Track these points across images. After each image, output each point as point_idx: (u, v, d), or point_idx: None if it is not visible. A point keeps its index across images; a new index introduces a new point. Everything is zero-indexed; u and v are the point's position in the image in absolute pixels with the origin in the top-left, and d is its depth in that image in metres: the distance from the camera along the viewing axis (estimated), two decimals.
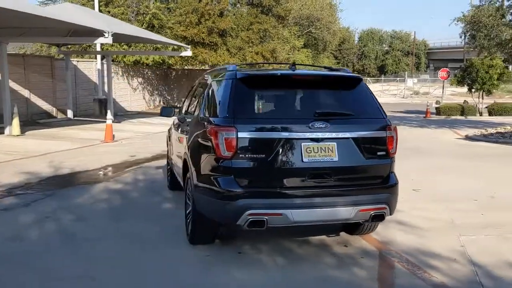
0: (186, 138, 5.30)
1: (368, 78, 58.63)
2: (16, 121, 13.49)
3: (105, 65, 21.37)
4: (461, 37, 25.63)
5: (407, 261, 4.58)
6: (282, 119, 4.33)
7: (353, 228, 5.24)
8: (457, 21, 22.10)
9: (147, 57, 24.74)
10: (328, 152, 4.25)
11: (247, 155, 4.16)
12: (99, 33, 14.13)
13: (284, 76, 4.71)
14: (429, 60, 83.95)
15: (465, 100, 28.73)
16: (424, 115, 25.30)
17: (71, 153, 11.12)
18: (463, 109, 26.33)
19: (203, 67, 29.06)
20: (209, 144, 4.30)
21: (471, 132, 16.58)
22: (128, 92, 25.10)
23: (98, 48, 21.54)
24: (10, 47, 25.20)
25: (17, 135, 13.39)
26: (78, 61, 21.31)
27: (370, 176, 4.48)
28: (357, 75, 4.95)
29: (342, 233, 5.34)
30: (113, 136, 13.29)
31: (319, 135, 4.23)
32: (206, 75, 5.89)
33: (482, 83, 26.08)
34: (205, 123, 4.59)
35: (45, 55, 22.84)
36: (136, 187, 7.71)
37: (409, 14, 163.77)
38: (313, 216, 4.26)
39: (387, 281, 4.22)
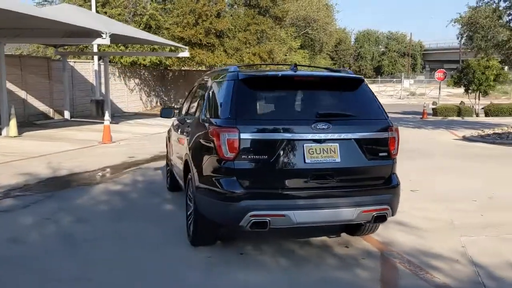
0: (187, 139, 5.29)
1: (365, 79, 58.64)
2: (13, 122, 13.43)
3: (102, 66, 21.35)
4: (458, 38, 25.73)
5: (408, 262, 4.59)
6: (284, 120, 4.34)
7: (354, 229, 5.24)
8: (454, 22, 22.20)
9: (144, 58, 24.73)
10: (330, 153, 4.25)
11: (249, 156, 4.15)
12: (97, 34, 14.10)
13: (286, 77, 4.71)
14: (425, 61, 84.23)
15: (461, 101, 28.85)
16: (421, 116, 25.40)
17: (69, 154, 11.08)
18: (460, 110, 26.45)
19: (200, 68, 29.05)
20: (211, 145, 4.30)
21: (468, 133, 16.65)
22: (125, 93, 25.06)
23: (95, 49, 21.51)
24: (6, 47, 25.12)
25: (14, 136, 13.33)
26: (75, 62, 21.25)
27: (372, 177, 4.48)
28: (359, 76, 4.95)
29: (343, 234, 5.34)
30: (111, 137, 13.25)
31: (322, 136, 4.23)
32: (206, 76, 5.89)
33: (478, 84, 26.22)
34: (207, 124, 4.58)
35: (42, 56, 22.78)
36: (136, 188, 7.69)
37: (405, 16, 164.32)
38: (315, 217, 4.26)
39: (390, 282, 4.22)
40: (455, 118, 25.29)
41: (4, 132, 13.55)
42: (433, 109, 27.58)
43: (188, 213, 5.06)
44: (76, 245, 5.01)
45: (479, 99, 27.66)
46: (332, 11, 48.60)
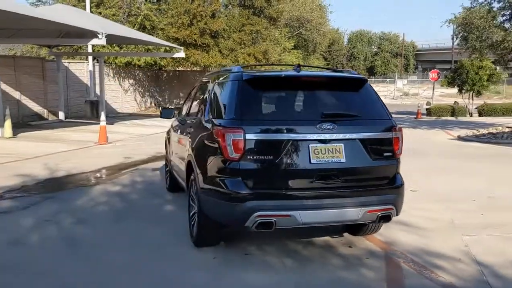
0: (189, 140, 5.27)
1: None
2: (8, 123, 13.32)
3: (96, 67, 21.23)
4: (453, 38, 25.87)
5: (412, 262, 4.60)
6: (289, 121, 4.34)
7: (356, 229, 5.25)
8: (449, 23, 22.34)
9: (139, 58, 24.64)
10: (336, 153, 4.25)
11: (254, 157, 4.14)
12: (92, 34, 14.03)
13: (290, 77, 4.71)
14: (417, 61, 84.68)
15: (455, 101, 29.02)
16: (415, 116, 25.50)
17: (66, 155, 11.01)
18: (454, 110, 26.60)
19: (195, 68, 28.99)
20: (216, 146, 4.28)
21: (463, 132, 16.74)
22: (119, 93, 24.96)
23: (90, 50, 21.38)
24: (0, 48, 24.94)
25: (9, 137, 13.23)
26: (69, 63, 21.13)
27: (377, 177, 4.49)
28: (362, 76, 4.96)
29: (346, 234, 5.34)
30: (107, 138, 13.19)
31: (327, 136, 4.23)
32: (208, 77, 5.87)
33: (472, 84, 26.39)
34: (211, 125, 4.57)
35: (36, 57, 22.63)
36: (135, 189, 7.65)
37: (398, 16, 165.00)
38: (321, 217, 4.26)
39: (396, 282, 4.23)
40: (449, 118, 25.43)
41: None
42: (427, 109, 27.72)
43: (191, 213, 5.04)
44: (78, 247, 4.97)
45: (472, 99, 27.84)
46: (325, 12, 48.72)
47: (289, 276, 4.27)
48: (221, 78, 5.02)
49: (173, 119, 7.09)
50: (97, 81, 20.99)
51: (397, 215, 4.55)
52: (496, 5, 18.11)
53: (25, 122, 17.12)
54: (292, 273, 4.33)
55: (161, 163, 9.47)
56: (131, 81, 26.23)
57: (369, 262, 4.58)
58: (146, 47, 23.74)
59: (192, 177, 4.96)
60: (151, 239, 5.21)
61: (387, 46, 78.87)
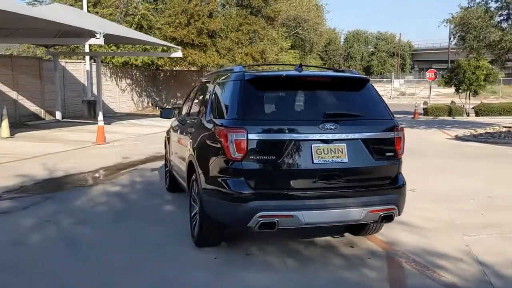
0: (190, 140, 5.25)
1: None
2: (5, 123, 13.26)
3: (93, 66, 21.17)
4: (450, 38, 25.93)
5: (414, 261, 4.60)
6: (292, 120, 4.34)
7: (357, 229, 5.25)
8: (447, 22, 22.38)
9: (136, 58, 24.60)
10: (338, 153, 4.25)
11: (257, 157, 4.14)
12: (90, 34, 13.98)
13: (292, 77, 4.71)
14: (413, 61, 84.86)
15: (452, 101, 29.10)
16: (412, 116, 25.56)
17: (64, 155, 10.97)
18: (451, 110, 26.68)
19: (192, 68, 28.96)
20: (218, 146, 4.27)
21: (460, 132, 16.79)
22: (116, 93, 24.90)
23: (87, 49, 21.32)
24: None
25: (6, 137, 13.16)
26: (66, 62, 21.06)
27: (379, 177, 4.49)
28: (364, 76, 4.96)
29: (347, 234, 5.34)
30: (105, 138, 13.15)
31: (329, 136, 4.23)
32: (208, 77, 5.86)
33: (469, 83, 26.48)
34: (213, 125, 4.55)
35: (33, 56, 22.56)
36: (134, 189, 7.63)
37: (395, 16, 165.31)
38: (324, 217, 4.26)
39: (398, 282, 4.23)
40: (446, 117, 25.51)
41: None
42: (424, 109, 27.80)
43: (192, 214, 5.03)
44: (77, 247, 4.95)
45: (469, 99, 27.94)
46: (322, 11, 48.78)
47: (290, 276, 4.26)
48: (222, 78, 5.00)
49: (173, 119, 7.08)
50: (94, 80, 20.96)
51: (399, 215, 4.56)
52: (493, 5, 18.21)
53: (22, 122, 17.04)
54: (294, 273, 4.32)
55: (160, 163, 9.45)
56: (128, 80, 26.18)
57: (371, 262, 4.58)
58: (143, 46, 23.70)
59: (193, 177, 4.94)
60: (151, 239, 5.19)
61: (383, 46, 79.03)
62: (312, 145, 4.19)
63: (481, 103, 27.69)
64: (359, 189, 4.35)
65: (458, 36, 22.05)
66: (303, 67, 4.85)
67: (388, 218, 4.45)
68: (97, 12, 23.21)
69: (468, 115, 26.78)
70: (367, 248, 4.96)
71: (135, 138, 14.73)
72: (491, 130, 16.76)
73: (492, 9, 17.83)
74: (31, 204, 6.58)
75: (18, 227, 5.60)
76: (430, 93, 34.16)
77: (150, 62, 25.94)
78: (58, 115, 18.98)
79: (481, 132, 16.46)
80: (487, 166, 10.22)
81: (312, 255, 4.75)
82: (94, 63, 21.17)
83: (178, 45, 22.05)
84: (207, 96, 5.22)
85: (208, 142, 4.58)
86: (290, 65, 6.00)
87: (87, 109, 20.84)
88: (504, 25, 18.37)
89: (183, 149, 5.72)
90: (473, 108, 27.31)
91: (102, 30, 13.88)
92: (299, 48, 44.53)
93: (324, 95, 4.69)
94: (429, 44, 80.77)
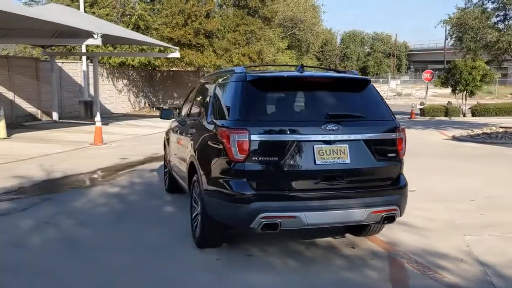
0: (191, 141, 5.24)
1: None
2: (2, 124, 13.17)
3: (90, 67, 21.11)
4: (447, 39, 26.02)
5: (416, 262, 4.60)
6: (294, 121, 4.34)
7: (358, 229, 5.25)
8: (443, 23, 22.46)
9: (133, 58, 24.55)
10: (340, 154, 4.25)
11: (259, 158, 4.13)
12: (87, 34, 13.95)
13: (294, 78, 4.70)
14: (409, 61, 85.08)
15: (449, 101, 29.20)
16: (409, 116, 25.60)
17: (62, 156, 10.93)
18: (447, 110, 26.76)
19: (189, 68, 28.93)
20: (220, 147, 4.26)
21: (457, 132, 16.83)
22: (113, 94, 24.85)
23: (84, 50, 21.25)
24: None
25: (3, 138, 13.09)
26: (63, 63, 20.99)
27: (381, 178, 4.50)
28: (366, 77, 4.97)
29: (348, 235, 5.34)
30: (102, 138, 13.11)
31: (332, 137, 4.23)
32: (209, 77, 5.84)
33: (465, 84, 26.58)
34: (214, 126, 4.54)
35: (30, 57, 22.48)
36: (133, 190, 7.60)
37: (391, 16, 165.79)
38: (326, 218, 4.26)
39: (401, 283, 4.23)
40: (443, 118, 25.57)
41: None
42: (420, 109, 27.87)
43: (193, 215, 5.01)
44: (77, 248, 4.93)
45: (466, 99, 28.03)
46: (318, 12, 48.86)
47: (292, 277, 4.26)
48: (223, 79, 4.99)
49: (172, 120, 7.06)
50: (91, 81, 20.89)
51: (400, 215, 4.56)
52: (490, 6, 18.29)
53: (18, 123, 16.97)
54: (295, 274, 4.32)
55: (158, 164, 9.43)
56: (125, 81, 26.12)
57: (373, 262, 4.58)
58: (140, 47, 23.66)
59: (194, 178, 4.93)
60: (152, 240, 5.17)
61: (379, 47, 79.17)
62: (314, 146, 4.19)
63: (478, 104, 27.77)
64: (361, 190, 4.35)
65: (455, 37, 22.13)
66: (304, 68, 4.84)
67: (390, 219, 4.46)
68: (94, 13, 23.14)
69: (464, 115, 26.86)
70: (368, 249, 4.96)
71: (133, 138, 14.69)
72: (488, 131, 16.83)
73: (488, 10, 17.93)
74: (29, 205, 6.54)
75: (17, 228, 5.57)
76: (426, 93, 34.23)
77: (147, 63, 25.91)
78: (55, 115, 18.91)
79: (478, 132, 16.52)
80: (485, 166, 10.25)
81: (314, 256, 4.75)
82: (91, 64, 21.10)
83: (175, 46, 22.02)
84: (208, 97, 5.20)
85: (209, 143, 4.57)
86: (291, 65, 5.99)
87: (84, 109, 20.76)
88: (501, 25, 18.47)
89: (183, 150, 5.71)
90: (469, 108, 27.40)
91: (99, 30, 13.85)
92: (295, 48, 44.57)
93: (326, 96, 4.69)
94: (424, 44, 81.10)
